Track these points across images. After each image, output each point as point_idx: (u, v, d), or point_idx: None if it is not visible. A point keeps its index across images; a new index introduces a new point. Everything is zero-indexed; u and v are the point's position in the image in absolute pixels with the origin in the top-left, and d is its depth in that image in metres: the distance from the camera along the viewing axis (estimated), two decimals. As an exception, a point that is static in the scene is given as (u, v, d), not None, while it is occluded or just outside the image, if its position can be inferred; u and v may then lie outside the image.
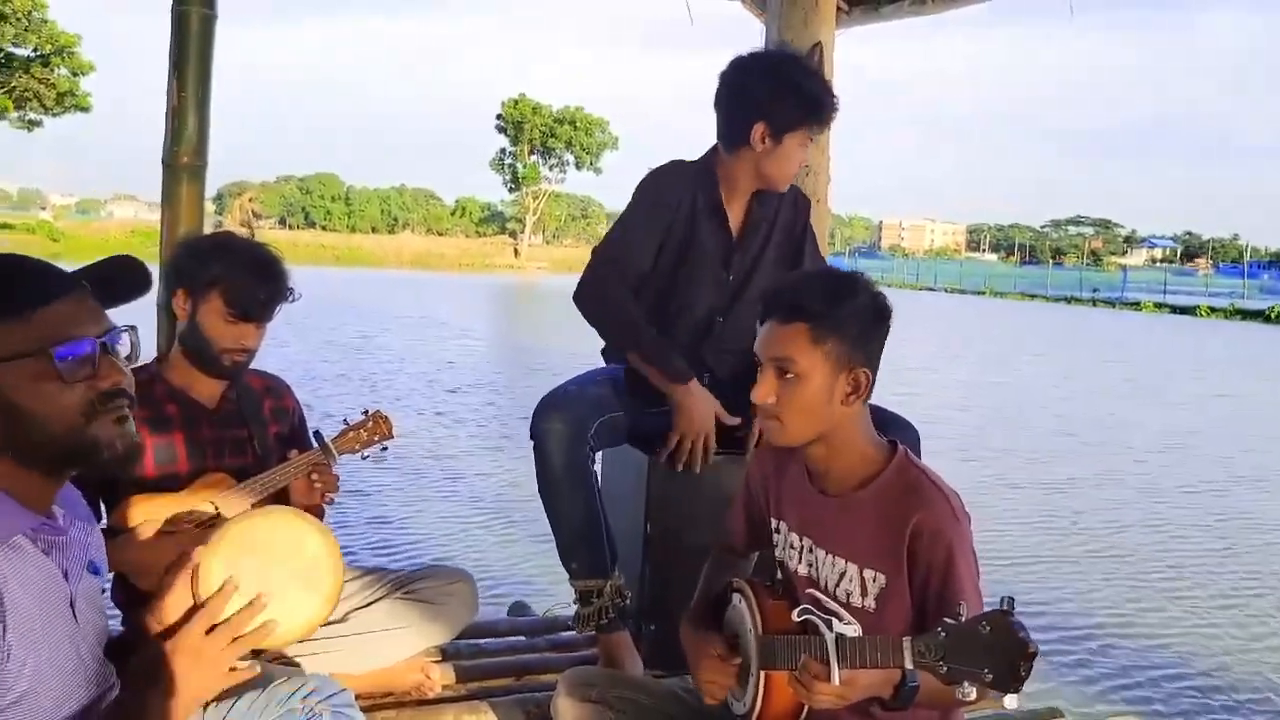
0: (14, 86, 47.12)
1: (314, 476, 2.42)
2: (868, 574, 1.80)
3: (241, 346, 2.41)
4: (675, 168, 2.89)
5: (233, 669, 1.43)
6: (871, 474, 1.83)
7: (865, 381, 1.81)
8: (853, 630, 1.61)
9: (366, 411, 2.57)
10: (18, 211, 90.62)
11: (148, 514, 2.29)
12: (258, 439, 2.50)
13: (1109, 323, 33.53)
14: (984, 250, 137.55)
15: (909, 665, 1.48)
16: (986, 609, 1.43)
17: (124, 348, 1.37)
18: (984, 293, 52.27)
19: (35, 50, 47.37)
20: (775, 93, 2.69)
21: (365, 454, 2.56)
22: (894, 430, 1.98)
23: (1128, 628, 5.60)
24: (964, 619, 1.42)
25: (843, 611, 1.66)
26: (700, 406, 2.72)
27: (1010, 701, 1.36)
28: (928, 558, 1.73)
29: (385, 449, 2.58)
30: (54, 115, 50.12)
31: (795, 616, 1.70)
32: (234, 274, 2.37)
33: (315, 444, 2.49)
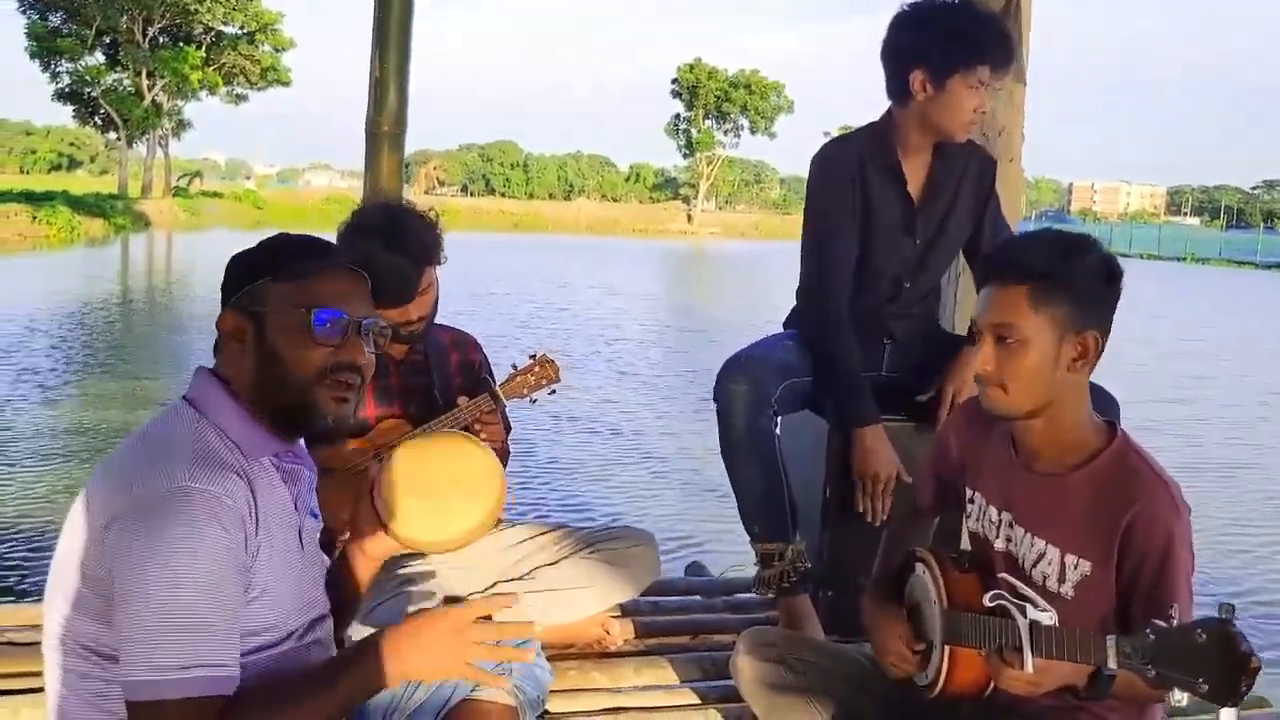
0: (223, 63, 50.25)
1: (482, 421, 2.48)
2: (1069, 559, 1.72)
3: (407, 320, 2.46)
4: (841, 139, 2.84)
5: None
6: (1087, 456, 1.73)
7: (1094, 346, 1.70)
8: (1048, 618, 1.55)
9: (533, 355, 2.62)
10: (226, 181, 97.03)
11: (331, 458, 2.44)
12: (440, 389, 2.59)
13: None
14: (1186, 214, 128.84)
15: (1112, 665, 1.41)
16: (1201, 615, 1.34)
17: (376, 339, 1.53)
18: (1184, 259, 49.04)
19: (241, 28, 50.38)
20: (930, 36, 2.60)
21: (533, 398, 2.61)
22: (1094, 398, 1.87)
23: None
24: (1175, 622, 1.34)
25: (1038, 598, 1.59)
26: (882, 451, 2.68)
27: (1227, 715, 1.29)
28: (1143, 551, 1.64)
29: (553, 392, 2.62)
30: (258, 89, 53.27)
31: (987, 601, 1.64)
32: (368, 264, 2.40)
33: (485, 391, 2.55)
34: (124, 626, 1.29)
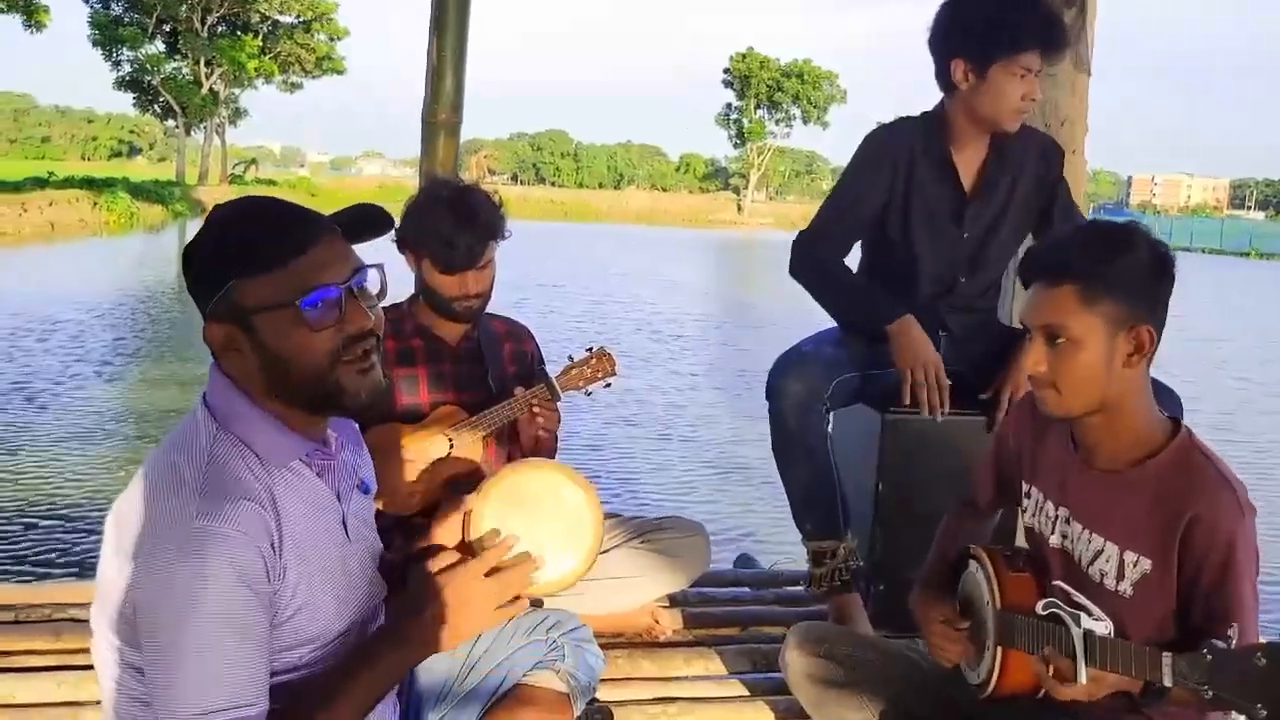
0: (279, 52, 50.88)
1: (535, 411, 2.50)
2: (1128, 557, 1.69)
3: (465, 294, 2.49)
4: (897, 123, 2.80)
5: (499, 608, 1.47)
6: (1149, 452, 1.69)
7: (1149, 339, 1.65)
8: (1103, 628, 1.52)
9: (590, 349, 2.62)
10: (280, 169, 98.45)
11: (388, 441, 2.45)
12: (493, 377, 2.60)
13: None
14: (1250, 207, 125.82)
15: (1168, 684, 1.38)
16: (1265, 638, 1.32)
17: (373, 286, 1.41)
18: (1248, 254, 47.94)
19: (297, 17, 50.99)
20: (968, 24, 2.57)
21: (589, 390, 2.62)
22: (1155, 395, 1.83)
23: None
24: (1234, 642, 1.32)
25: (1093, 606, 1.57)
26: (920, 339, 2.60)
27: None
28: (1204, 552, 1.60)
29: (609, 385, 2.63)
30: (313, 78, 53.89)
31: (1040, 610, 1.61)
32: (436, 229, 2.44)
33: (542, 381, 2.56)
34: (148, 668, 1.27)
